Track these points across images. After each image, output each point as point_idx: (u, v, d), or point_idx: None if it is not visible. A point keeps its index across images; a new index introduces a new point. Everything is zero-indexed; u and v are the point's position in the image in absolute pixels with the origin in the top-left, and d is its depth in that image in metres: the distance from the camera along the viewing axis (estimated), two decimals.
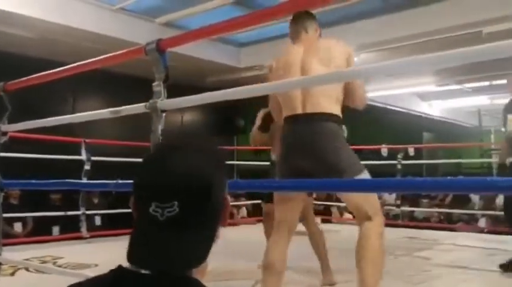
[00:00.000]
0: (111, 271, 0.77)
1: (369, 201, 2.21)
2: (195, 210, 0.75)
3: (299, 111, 2.22)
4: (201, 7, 5.52)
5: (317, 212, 8.03)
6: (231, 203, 5.20)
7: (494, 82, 8.85)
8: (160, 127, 1.69)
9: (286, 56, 2.38)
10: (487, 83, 9.09)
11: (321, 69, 2.18)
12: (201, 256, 0.76)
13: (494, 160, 12.40)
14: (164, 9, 5.86)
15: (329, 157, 2.12)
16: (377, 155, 9.97)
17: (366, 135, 8.51)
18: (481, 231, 6.21)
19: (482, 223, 6.61)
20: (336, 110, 2.23)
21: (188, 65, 7.00)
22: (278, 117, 2.47)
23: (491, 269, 3.60)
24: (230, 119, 9.27)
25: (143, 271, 0.73)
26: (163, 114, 1.70)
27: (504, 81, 8.56)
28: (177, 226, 0.74)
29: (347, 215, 7.96)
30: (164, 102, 1.71)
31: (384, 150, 10.56)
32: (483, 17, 4.98)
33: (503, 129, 3.63)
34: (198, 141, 0.86)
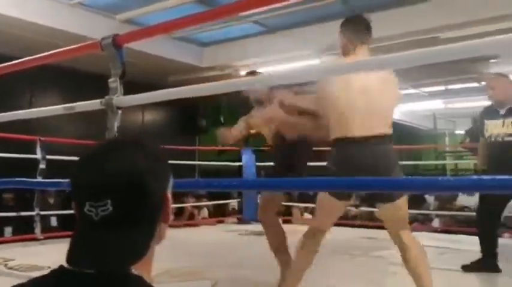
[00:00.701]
0: (52, 271, 0.76)
1: (406, 210, 2.31)
2: (129, 208, 0.75)
3: (357, 133, 2.14)
4: (162, 4, 5.46)
5: (277, 213, 8.10)
6: (192, 204, 5.16)
7: (449, 87, 9.14)
8: (116, 124, 1.66)
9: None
10: (442, 88, 9.37)
11: (383, 90, 2.15)
12: (137, 253, 0.75)
13: (448, 161, 12.86)
14: (124, 5, 5.76)
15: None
16: None
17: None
18: (435, 231, 6.39)
19: (436, 223, 6.80)
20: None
21: (150, 63, 6.92)
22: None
23: (443, 268, 3.71)
24: (192, 118, 9.20)
25: (85, 270, 0.72)
26: (119, 111, 1.67)
27: (458, 85, 8.88)
28: (112, 224, 0.73)
29: (307, 216, 8.05)
30: (120, 99, 1.67)
31: None
32: (440, 23, 5.14)
33: (481, 136, 3.59)
34: (136, 139, 0.84)
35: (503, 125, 3.36)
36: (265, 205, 3.14)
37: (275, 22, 6.12)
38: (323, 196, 2.29)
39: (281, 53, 6.37)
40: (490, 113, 3.50)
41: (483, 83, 7.75)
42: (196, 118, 9.22)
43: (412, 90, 9.71)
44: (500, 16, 4.80)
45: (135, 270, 0.75)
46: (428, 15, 5.16)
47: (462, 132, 12.49)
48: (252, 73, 3.23)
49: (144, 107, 8.15)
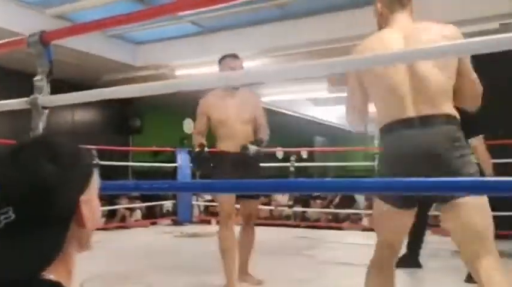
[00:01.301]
0: None
1: (489, 224, 1.63)
2: (32, 215, 0.73)
3: (411, 113, 1.67)
4: (97, 0, 5.28)
5: (216, 214, 8.11)
6: (123, 206, 5.01)
7: None
8: (41, 125, 1.60)
9: (381, 44, 1.77)
10: None
11: (434, 71, 1.67)
12: (44, 259, 0.74)
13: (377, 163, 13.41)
14: (58, 0, 5.51)
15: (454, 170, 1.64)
16: (272, 157, 10.29)
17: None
18: (364, 229, 6.65)
19: (365, 221, 7.08)
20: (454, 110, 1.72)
21: (82, 61, 6.69)
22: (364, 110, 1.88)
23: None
24: (126, 118, 8.99)
25: None
26: (46, 111, 1.61)
27: None
28: (16, 232, 0.72)
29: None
30: (46, 98, 1.61)
31: (279, 153, 10.94)
32: (371, 29, 5.34)
33: None
34: (46, 140, 0.81)
35: None
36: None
37: (211, 23, 6.11)
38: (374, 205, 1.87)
39: (217, 54, 6.36)
40: None
41: None
42: (130, 118, 9.02)
43: (345, 94, 10.05)
44: (468, 20, 5.04)
45: (51, 275, 0.73)
46: (355, 22, 5.35)
47: None
48: (235, 56, 3.23)
49: (74, 106, 7.85)
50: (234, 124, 3.15)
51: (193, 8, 3.27)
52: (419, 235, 3.74)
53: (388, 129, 1.72)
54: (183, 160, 6.74)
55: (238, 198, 3.19)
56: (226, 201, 3.09)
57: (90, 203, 0.80)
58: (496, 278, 1.53)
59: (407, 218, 1.79)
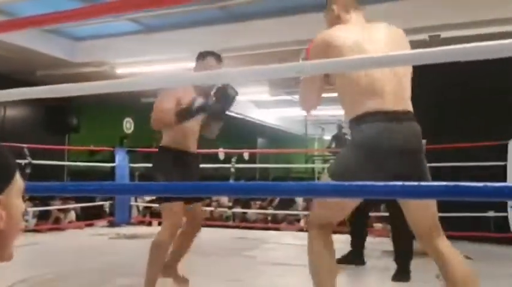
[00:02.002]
0: None
1: (435, 211, 1.85)
2: None
3: (393, 106, 1.74)
4: None
5: (159, 216, 7.99)
6: (56, 207, 4.82)
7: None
8: None
9: (350, 36, 1.85)
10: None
11: (407, 73, 1.85)
12: None
13: (317, 165, 13.74)
14: None
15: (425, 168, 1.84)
16: (214, 158, 10.29)
17: (203, 138, 8.68)
18: (302, 230, 6.80)
19: (302, 222, 7.24)
20: None
21: (17, 56, 6.41)
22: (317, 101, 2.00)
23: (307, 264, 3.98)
24: (62, 116, 8.68)
25: None
26: None
27: (328, 94, 9.53)
28: None
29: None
30: None
31: (221, 154, 10.95)
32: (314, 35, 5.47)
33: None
34: None
35: None
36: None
37: (153, 22, 6.05)
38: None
39: (158, 53, 6.31)
40: None
41: None
42: (66, 116, 8.72)
43: (286, 97, 10.22)
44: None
45: None
46: (299, 27, 5.47)
47: (329, 137, 13.43)
48: (219, 58, 2.97)
49: (5, 102, 7.50)
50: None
51: (139, 8, 3.22)
52: (362, 233, 3.93)
53: (365, 120, 1.75)
54: (121, 160, 6.60)
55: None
56: (178, 206, 2.74)
57: (8, 205, 0.77)
58: (452, 249, 1.79)
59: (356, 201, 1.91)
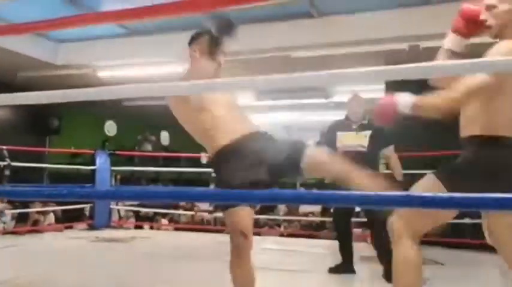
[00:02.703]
0: None
1: None
2: None
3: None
4: None
5: (145, 219, 7.99)
6: (36, 209, 4.76)
7: (304, 101, 9.84)
8: None
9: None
10: (296, 101, 10.06)
11: None
12: None
13: None
14: None
15: None
16: (197, 162, 10.27)
17: (187, 142, 8.68)
18: (282, 235, 6.86)
19: (283, 227, 7.30)
20: None
21: None
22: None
23: (288, 269, 4.04)
24: (43, 118, 8.59)
25: None
26: None
27: (309, 100, 9.63)
28: None
29: (163, 221, 8.04)
30: None
31: (204, 158, 10.94)
32: (291, 43, 5.56)
33: (330, 147, 3.77)
34: None
35: (355, 137, 3.78)
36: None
37: (138, 25, 6.04)
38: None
39: (143, 57, 6.30)
40: (342, 126, 3.90)
41: (334, 99, 8.53)
42: (47, 118, 8.63)
43: (271, 102, 10.30)
44: (353, 41, 5.34)
45: None
46: (282, 34, 5.54)
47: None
48: None
49: None
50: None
51: (135, 18, 3.23)
52: (348, 245, 3.96)
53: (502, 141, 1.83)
54: (102, 163, 6.57)
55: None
56: (248, 215, 2.23)
57: None
58: None
59: None
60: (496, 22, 1.88)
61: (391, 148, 3.84)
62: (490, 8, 1.88)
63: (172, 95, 2.41)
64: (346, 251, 3.94)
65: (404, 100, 1.88)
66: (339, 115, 4.23)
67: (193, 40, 2.57)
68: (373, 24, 5.02)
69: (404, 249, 1.89)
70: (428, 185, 1.87)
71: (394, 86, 5.62)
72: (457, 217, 5.08)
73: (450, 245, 5.07)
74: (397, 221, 1.95)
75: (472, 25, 1.96)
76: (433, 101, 1.85)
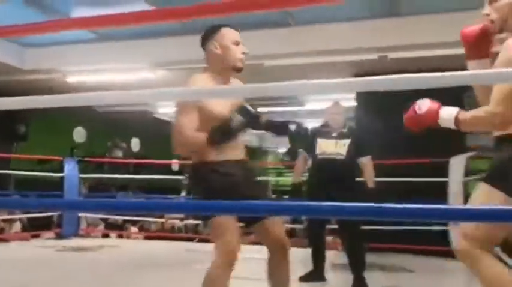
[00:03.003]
0: None
1: None
2: None
3: None
4: None
5: (114, 226, 7.84)
6: (2, 217, 4.63)
7: (277, 109, 9.87)
8: None
9: None
10: (270, 109, 10.09)
11: None
12: None
13: (271, 178, 13.87)
14: None
15: None
16: (168, 169, 10.19)
17: (159, 150, 8.63)
18: (253, 242, 6.83)
19: (254, 235, 7.27)
20: None
21: None
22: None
23: (256, 278, 4.02)
24: (9, 124, 8.37)
25: None
26: None
27: (283, 108, 9.68)
28: None
29: (134, 229, 7.93)
30: None
31: (175, 165, 10.86)
32: (264, 52, 5.60)
33: (308, 152, 3.94)
34: None
35: (335, 146, 3.80)
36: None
37: (108, 31, 5.97)
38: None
39: (113, 62, 6.23)
40: (322, 133, 3.92)
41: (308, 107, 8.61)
42: (14, 124, 8.42)
43: None
44: (325, 51, 5.40)
45: None
46: (255, 42, 5.56)
47: (284, 150, 13.61)
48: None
49: None
50: None
51: (104, 25, 3.19)
52: (322, 250, 3.98)
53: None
54: (70, 170, 6.44)
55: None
56: (232, 226, 2.06)
57: None
58: None
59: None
60: (497, 16, 1.89)
61: (369, 157, 3.91)
62: (492, 1, 1.90)
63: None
64: (318, 258, 3.95)
65: (448, 113, 1.88)
66: (312, 123, 4.29)
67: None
68: (345, 34, 5.10)
69: (487, 266, 1.79)
70: (485, 195, 1.83)
71: (364, 95, 5.73)
72: (425, 224, 5.23)
73: (419, 252, 5.15)
74: (464, 244, 1.84)
75: (480, 44, 1.93)
76: (477, 115, 1.86)
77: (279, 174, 13.81)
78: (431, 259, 5.09)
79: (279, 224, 2.21)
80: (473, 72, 1.62)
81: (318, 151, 3.85)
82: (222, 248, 2.02)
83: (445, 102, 1.92)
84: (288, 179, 13.60)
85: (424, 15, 4.85)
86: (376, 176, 3.95)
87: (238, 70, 2.22)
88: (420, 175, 5.12)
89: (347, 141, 3.81)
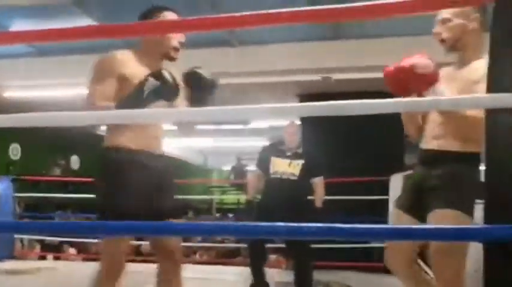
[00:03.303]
0: None
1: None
2: None
3: None
4: None
5: (50, 248, 7.47)
6: None
7: (220, 127, 9.89)
8: None
9: None
10: (213, 127, 10.09)
11: None
12: None
13: (216, 196, 13.80)
14: None
15: None
16: None
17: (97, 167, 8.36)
18: (198, 262, 6.76)
19: (197, 255, 7.21)
20: None
21: None
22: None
23: None
24: None
25: None
26: None
27: (227, 126, 9.71)
28: None
29: (72, 251, 7.63)
30: None
31: None
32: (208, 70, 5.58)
33: (260, 170, 3.98)
34: None
35: (289, 165, 3.82)
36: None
37: (46, 45, 5.78)
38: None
39: (50, 78, 6.02)
40: (276, 151, 3.94)
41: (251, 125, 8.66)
42: None
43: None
44: (269, 71, 5.47)
45: None
46: (199, 61, 5.55)
47: (228, 168, 13.60)
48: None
49: None
50: None
51: (44, 40, 3.09)
52: (261, 265, 3.94)
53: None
54: (5, 189, 6.11)
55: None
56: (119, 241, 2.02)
57: None
58: None
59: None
60: (449, 35, 1.95)
61: (321, 177, 3.95)
62: (445, 21, 1.96)
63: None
64: (257, 269, 3.88)
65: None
66: (256, 141, 4.33)
67: None
68: (288, 55, 5.20)
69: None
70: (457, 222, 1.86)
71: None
72: (365, 241, 5.34)
73: (360, 268, 5.26)
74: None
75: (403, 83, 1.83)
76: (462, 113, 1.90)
77: (223, 192, 13.76)
78: (370, 275, 5.21)
79: (175, 239, 2.15)
80: (413, 100, 1.67)
81: (272, 169, 3.85)
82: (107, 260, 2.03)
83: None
84: (231, 197, 13.57)
85: (367, 39, 5.04)
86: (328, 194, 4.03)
87: (170, 59, 2.13)
88: (363, 193, 5.30)
89: (301, 162, 3.82)
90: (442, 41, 1.99)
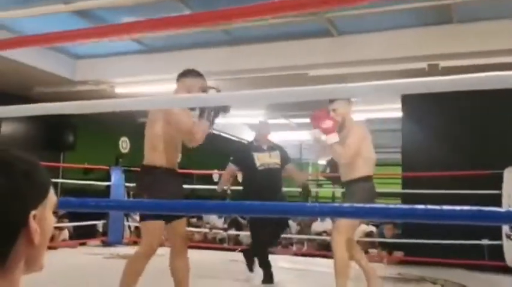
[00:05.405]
0: None
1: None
2: None
3: None
4: (37, 10, 5.08)
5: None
6: (54, 225, 4.82)
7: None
8: None
9: None
10: (308, 121, 10.05)
11: None
12: None
13: (311, 189, 13.71)
14: None
15: None
16: (209, 179, 10.25)
17: (200, 161, 8.70)
18: (296, 254, 6.77)
19: (294, 247, 7.22)
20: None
21: (14, 72, 6.38)
22: None
23: None
24: (58, 133, 8.62)
25: None
26: None
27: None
28: None
29: None
30: None
31: (215, 175, 10.92)
32: (308, 62, 5.57)
33: (246, 165, 4.51)
34: None
35: (270, 157, 4.48)
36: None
37: (155, 42, 6.09)
38: None
39: (159, 73, 6.33)
40: (255, 148, 4.56)
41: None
42: (63, 133, 8.66)
43: (282, 120, 10.26)
44: (370, 60, 5.34)
45: None
46: (299, 52, 5.55)
47: (324, 162, 13.44)
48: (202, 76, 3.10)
49: (0, 118, 7.45)
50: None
51: (145, 31, 3.27)
52: (267, 261, 4.43)
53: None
54: (117, 179, 6.57)
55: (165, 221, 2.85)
56: (159, 227, 2.79)
57: (43, 220, 0.79)
58: None
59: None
60: (338, 119, 3.25)
61: (291, 164, 4.75)
62: (335, 110, 3.31)
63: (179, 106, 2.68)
64: (266, 267, 4.42)
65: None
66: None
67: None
68: (391, 43, 5.01)
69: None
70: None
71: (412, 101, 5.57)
72: (476, 238, 5.02)
73: (470, 266, 4.97)
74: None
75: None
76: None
77: (319, 186, 13.67)
78: (484, 274, 4.90)
79: (182, 225, 2.91)
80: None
81: (258, 163, 4.41)
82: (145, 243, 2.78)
83: None
84: (327, 190, 13.42)
85: (476, 22, 4.71)
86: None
87: None
88: (475, 188, 4.99)
89: (277, 153, 4.53)
90: (336, 122, 3.07)
